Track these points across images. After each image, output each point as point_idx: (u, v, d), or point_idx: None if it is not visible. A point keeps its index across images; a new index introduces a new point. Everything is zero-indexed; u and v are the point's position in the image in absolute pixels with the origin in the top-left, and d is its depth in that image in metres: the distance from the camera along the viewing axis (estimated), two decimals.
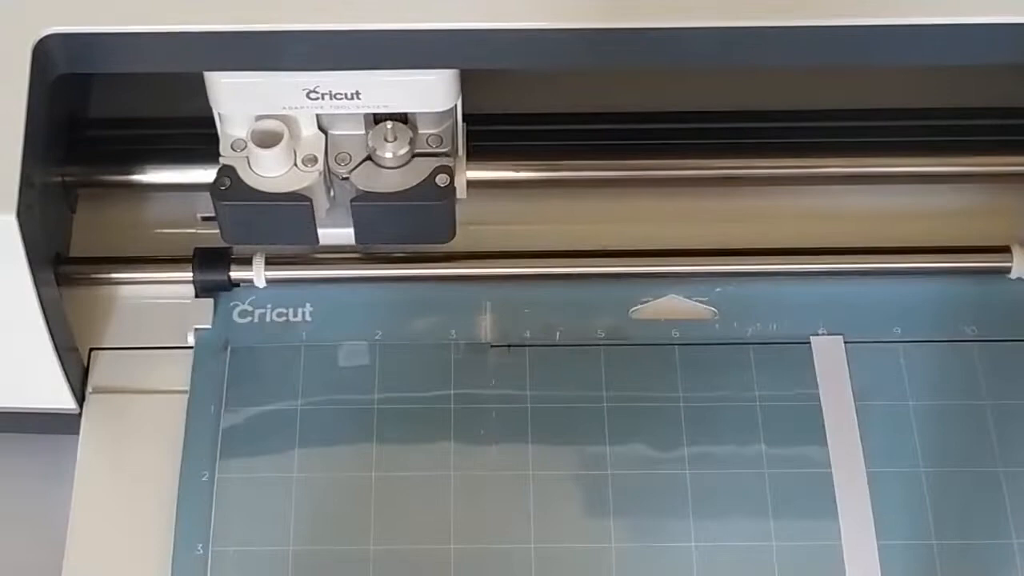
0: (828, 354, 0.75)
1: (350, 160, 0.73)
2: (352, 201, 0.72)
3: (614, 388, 0.74)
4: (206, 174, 0.78)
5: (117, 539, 0.71)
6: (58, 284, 0.72)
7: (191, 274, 0.76)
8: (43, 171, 0.71)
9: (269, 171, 0.72)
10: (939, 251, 0.77)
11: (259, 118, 0.71)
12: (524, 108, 0.80)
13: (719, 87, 0.82)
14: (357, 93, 0.69)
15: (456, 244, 0.76)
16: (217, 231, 0.78)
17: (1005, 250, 0.77)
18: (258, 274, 0.76)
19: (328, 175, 0.73)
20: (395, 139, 0.72)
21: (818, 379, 0.74)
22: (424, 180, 0.72)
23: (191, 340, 0.75)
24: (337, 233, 0.75)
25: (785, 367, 0.75)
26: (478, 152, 0.76)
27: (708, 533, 0.71)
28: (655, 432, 0.73)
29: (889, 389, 0.74)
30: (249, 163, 0.72)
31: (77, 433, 0.74)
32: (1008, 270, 0.77)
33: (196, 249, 0.77)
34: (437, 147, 0.73)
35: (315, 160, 0.72)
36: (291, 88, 0.69)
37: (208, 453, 0.72)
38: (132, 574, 0.70)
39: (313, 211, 0.72)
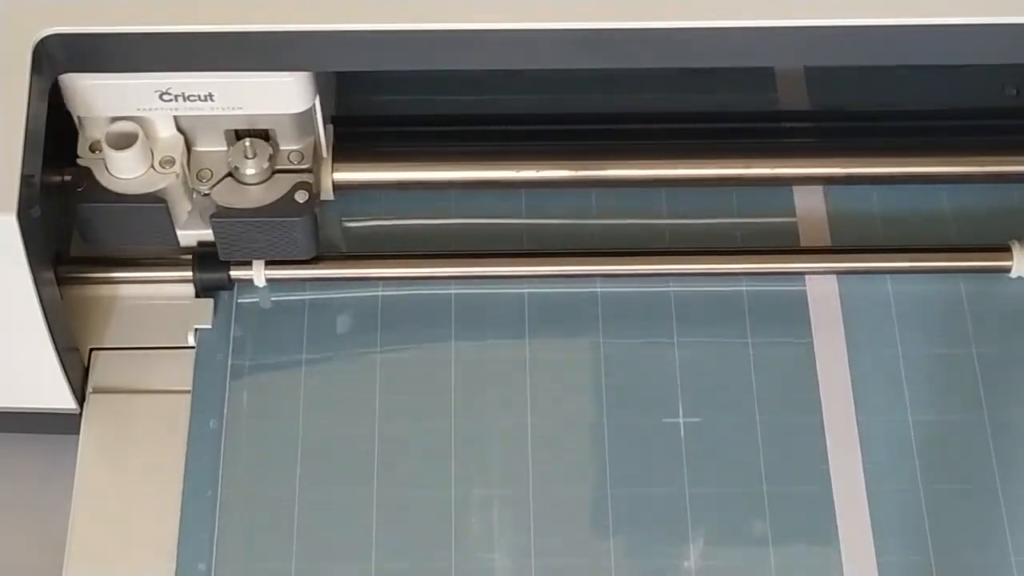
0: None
1: (211, 176, 0.73)
2: (212, 217, 0.73)
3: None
4: None
5: (118, 539, 0.71)
6: (58, 284, 0.72)
7: (191, 274, 0.76)
8: (43, 171, 0.70)
9: (125, 173, 0.72)
10: (939, 251, 0.77)
11: (114, 120, 0.72)
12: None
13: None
14: (211, 95, 0.70)
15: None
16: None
17: (1005, 250, 0.77)
18: (258, 274, 0.76)
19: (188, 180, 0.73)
20: (255, 155, 0.72)
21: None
22: (283, 196, 0.73)
23: (191, 340, 0.75)
24: (201, 235, 0.76)
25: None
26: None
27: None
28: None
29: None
30: (106, 165, 0.72)
31: (77, 433, 0.74)
32: (1008, 270, 0.77)
33: (196, 249, 0.77)
34: (298, 163, 0.74)
35: (173, 162, 0.72)
36: (144, 89, 0.69)
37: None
38: (133, 573, 0.70)
39: (169, 212, 0.72)
